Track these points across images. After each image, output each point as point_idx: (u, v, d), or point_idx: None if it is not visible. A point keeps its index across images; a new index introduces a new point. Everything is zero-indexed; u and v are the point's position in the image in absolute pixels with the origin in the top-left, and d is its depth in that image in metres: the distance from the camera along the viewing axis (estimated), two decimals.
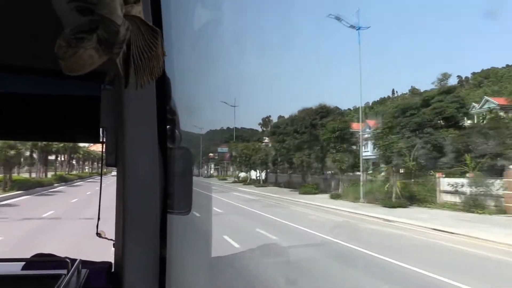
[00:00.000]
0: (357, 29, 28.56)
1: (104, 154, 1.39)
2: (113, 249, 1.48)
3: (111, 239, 1.52)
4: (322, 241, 12.17)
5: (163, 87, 1.26)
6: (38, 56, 1.45)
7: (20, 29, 1.31)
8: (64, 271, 1.34)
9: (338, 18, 29.76)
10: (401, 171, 24.45)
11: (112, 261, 1.51)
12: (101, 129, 1.50)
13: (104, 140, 1.41)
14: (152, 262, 1.23)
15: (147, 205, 1.23)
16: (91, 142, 1.81)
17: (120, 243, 1.32)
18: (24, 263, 1.53)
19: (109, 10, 0.64)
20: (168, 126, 1.34)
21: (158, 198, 1.24)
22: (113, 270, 1.50)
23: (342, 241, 11.88)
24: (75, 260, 1.43)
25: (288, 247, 11.02)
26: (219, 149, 67.14)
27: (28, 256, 1.58)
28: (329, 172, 31.14)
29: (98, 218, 1.68)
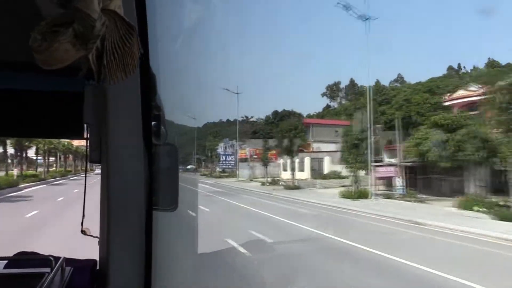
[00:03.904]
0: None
1: (88, 151, 1.38)
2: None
3: (96, 237, 1.50)
4: None
5: (148, 83, 1.25)
6: (20, 51, 1.42)
7: (2, 24, 1.28)
8: (47, 269, 1.32)
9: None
10: None
11: (97, 258, 1.50)
12: (85, 125, 1.48)
13: (88, 137, 1.40)
14: (138, 259, 1.22)
15: (132, 201, 1.22)
16: (75, 138, 1.78)
17: (105, 241, 1.31)
18: (6, 261, 1.50)
19: (85, 4, 0.63)
20: (153, 122, 1.33)
21: (143, 195, 1.24)
22: (97, 268, 1.48)
23: None
24: (59, 258, 1.42)
25: (274, 242, 10.95)
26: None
27: (10, 254, 1.55)
28: None
29: (83, 216, 1.67)
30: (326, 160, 40.17)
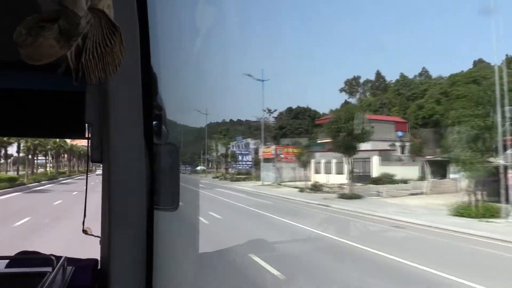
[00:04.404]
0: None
1: (89, 150, 1.38)
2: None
3: (97, 236, 1.51)
4: None
5: (149, 82, 1.25)
6: None
7: (2, 22, 1.28)
8: (49, 269, 1.32)
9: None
10: None
11: (99, 258, 1.50)
12: (86, 124, 1.48)
13: (90, 136, 1.40)
14: (139, 259, 1.22)
15: (133, 201, 1.22)
16: (76, 138, 1.79)
17: (106, 240, 1.31)
18: (8, 260, 1.50)
19: (73, 1, 0.63)
20: (154, 122, 1.33)
21: (145, 194, 1.24)
22: (99, 267, 1.49)
23: None
24: (60, 257, 1.42)
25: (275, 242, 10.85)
26: None
27: (12, 253, 1.55)
28: None
29: (84, 215, 1.67)
30: (375, 160, 30.84)
